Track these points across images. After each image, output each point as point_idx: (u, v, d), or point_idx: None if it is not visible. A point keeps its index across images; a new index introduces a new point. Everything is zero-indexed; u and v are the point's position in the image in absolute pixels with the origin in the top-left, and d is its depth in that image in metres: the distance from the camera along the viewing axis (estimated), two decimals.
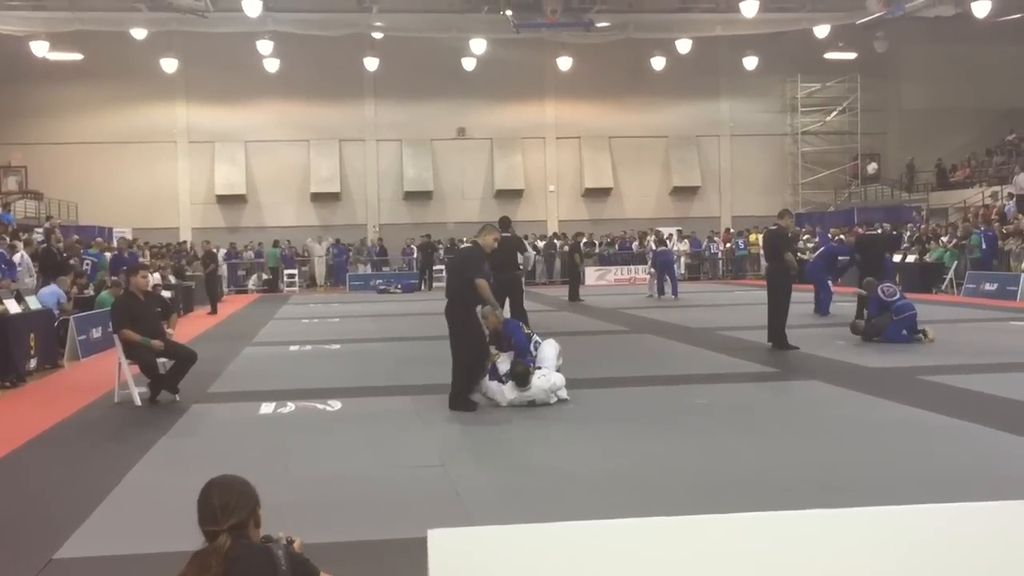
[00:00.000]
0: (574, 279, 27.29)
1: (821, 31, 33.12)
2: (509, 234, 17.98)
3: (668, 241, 29.56)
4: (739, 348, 14.60)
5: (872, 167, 39.69)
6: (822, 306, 19.51)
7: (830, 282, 20.02)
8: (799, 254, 17.61)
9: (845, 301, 19.17)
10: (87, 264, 21.40)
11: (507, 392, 9.92)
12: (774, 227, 15.05)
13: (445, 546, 3.72)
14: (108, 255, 22.48)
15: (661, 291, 26.27)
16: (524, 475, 7.30)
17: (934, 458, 7.58)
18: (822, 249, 21.75)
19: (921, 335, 14.73)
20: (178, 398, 10.80)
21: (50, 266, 18.32)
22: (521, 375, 9.83)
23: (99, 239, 24.67)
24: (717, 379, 11.81)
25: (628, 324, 19.32)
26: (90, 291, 18.41)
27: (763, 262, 19.84)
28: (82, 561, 5.57)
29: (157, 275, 23.10)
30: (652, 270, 27.94)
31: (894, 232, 26.79)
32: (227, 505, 3.23)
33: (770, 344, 14.32)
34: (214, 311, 24.58)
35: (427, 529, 3.69)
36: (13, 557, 5.71)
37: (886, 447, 7.95)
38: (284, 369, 13.74)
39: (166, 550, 5.11)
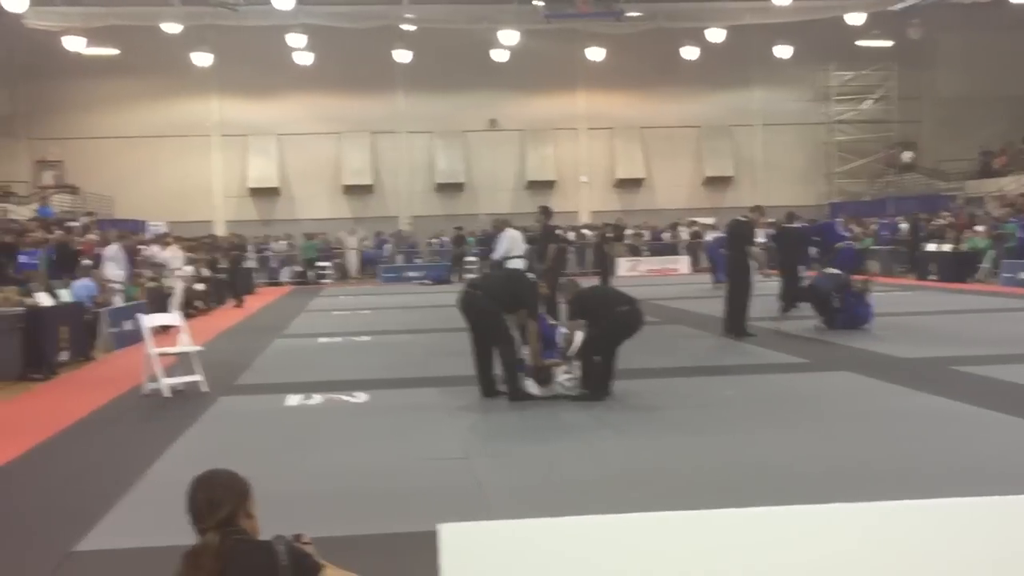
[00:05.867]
0: (604, 270, 27.05)
1: (855, 19, 32.56)
2: (551, 224, 17.81)
3: (705, 231, 29.33)
4: (773, 339, 14.43)
5: (907, 156, 39.09)
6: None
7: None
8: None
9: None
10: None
11: (531, 387, 9.88)
12: (744, 219, 15.13)
13: (456, 540, 3.66)
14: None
15: (717, 279, 25.97)
16: (548, 468, 7.22)
17: (970, 451, 7.43)
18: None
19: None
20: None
21: (66, 261, 18.51)
22: (544, 379, 9.84)
23: (34, 233, 23.18)
24: (747, 370, 11.68)
25: (660, 315, 19.10)
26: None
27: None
28: (100, 554, 5.58)
29: (191, 268, 23.24)
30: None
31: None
32: (211, 500, 3.16)
33: (728, 334, 14.56)
34: (239, 303, 24.54)
35: (442, 523, 3.64)
36: (33, 549, 5.74)
37: (921, 439, 7.82)
38: (313, 361, 13.75)
39: (184, 543, 5.10)
